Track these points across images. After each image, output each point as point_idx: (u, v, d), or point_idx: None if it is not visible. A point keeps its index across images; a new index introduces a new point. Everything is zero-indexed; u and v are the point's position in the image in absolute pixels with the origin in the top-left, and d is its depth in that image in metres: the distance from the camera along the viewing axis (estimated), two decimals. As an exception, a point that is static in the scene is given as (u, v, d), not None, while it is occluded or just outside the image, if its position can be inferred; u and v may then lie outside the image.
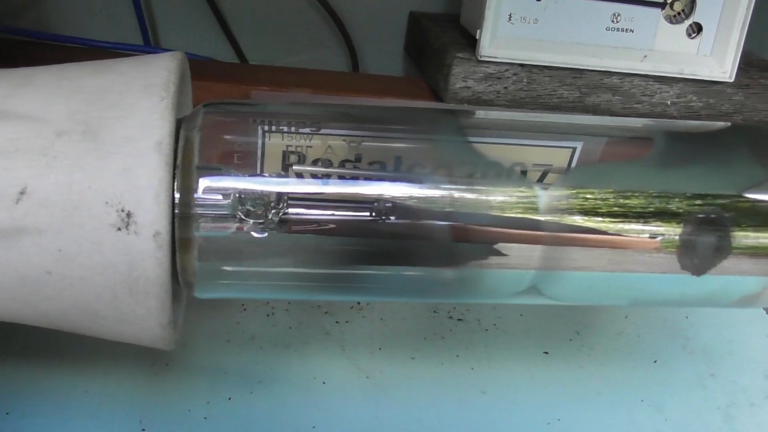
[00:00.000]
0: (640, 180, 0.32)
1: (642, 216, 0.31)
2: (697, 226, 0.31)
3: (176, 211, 0.29)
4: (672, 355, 0.46)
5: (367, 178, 0.31)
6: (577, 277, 0.32)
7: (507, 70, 0.46)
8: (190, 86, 0.34)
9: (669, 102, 0.47)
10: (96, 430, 0.38)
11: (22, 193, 0.27)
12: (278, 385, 0.42)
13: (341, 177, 0.31)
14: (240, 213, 0.30)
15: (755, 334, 0.49)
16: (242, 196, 0.30)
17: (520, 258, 0.31)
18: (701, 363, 0.46)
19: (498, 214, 0.30)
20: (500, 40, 0.45)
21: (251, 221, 0.30)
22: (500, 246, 0.31)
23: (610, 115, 0.47)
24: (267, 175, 0.30)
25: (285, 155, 0.30)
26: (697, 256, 0.31)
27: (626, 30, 0.46)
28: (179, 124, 0.31)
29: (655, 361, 0.46)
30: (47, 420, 0.39)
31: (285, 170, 0.30)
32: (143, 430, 0.38)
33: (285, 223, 0.30)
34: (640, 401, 0.43)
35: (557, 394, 0.43)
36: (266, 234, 0.30)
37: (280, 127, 0.30)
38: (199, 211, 0.29)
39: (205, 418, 0.39)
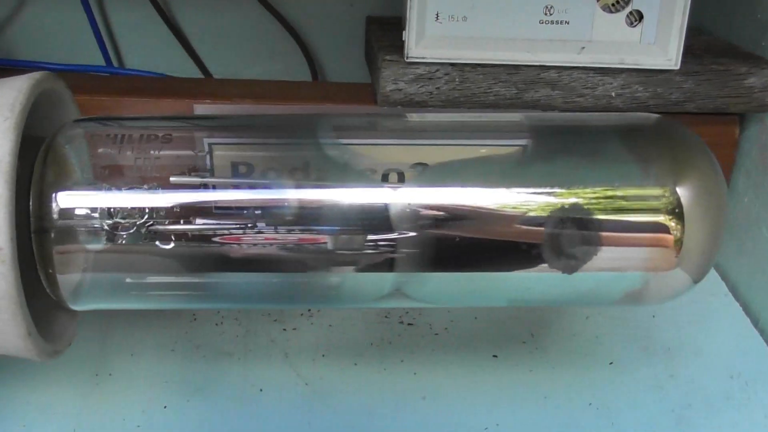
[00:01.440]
0: (500, 176, 0.31)
1: (498, 214, 0.30)
2: (560, 223, 0.30)
3: (33, 226, 0.30)
4: (630, 357, 0.45)
5: (237, 187, 0.31)
6: (440, 278, 0.31)
7: (438, 71, 0.45)
8: (70, 103, 0.34)
9: (613, 94, 0.45)
10: (29, 440, 0.40)
11: None
12: (215, 393, 0.42)
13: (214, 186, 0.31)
14: (106, 225, 0.30)
15: (725, 332, 0.47)
16: (110, 209, 0.30)
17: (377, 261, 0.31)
18: (661, 364, 0.44)
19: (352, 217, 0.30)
20: (428, 40, 0.44)
21: (121, 233, 0.30)
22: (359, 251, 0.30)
23: (552, 110, 0.46)
24: (135, 187, 0.31)
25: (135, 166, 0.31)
26: (564, 254, 0.30)
27: (561, 22, 0.45)
28: (40, 142, 0.31)
29: (611, 363, 0.44)
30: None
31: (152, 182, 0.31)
32: (75, 439, 0.39)
33: (154, 234, 0.30)
34: (588, 405, 0.41)
35: (500, 399, 0.42)
36: (171, 246, 0.31)
37: (132, 141, 0.31)
38: (59, 225, 0.30)
39: (138, 426, 0.40)
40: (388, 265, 0.30)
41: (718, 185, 0.31)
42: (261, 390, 0.42)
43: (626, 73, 0.45)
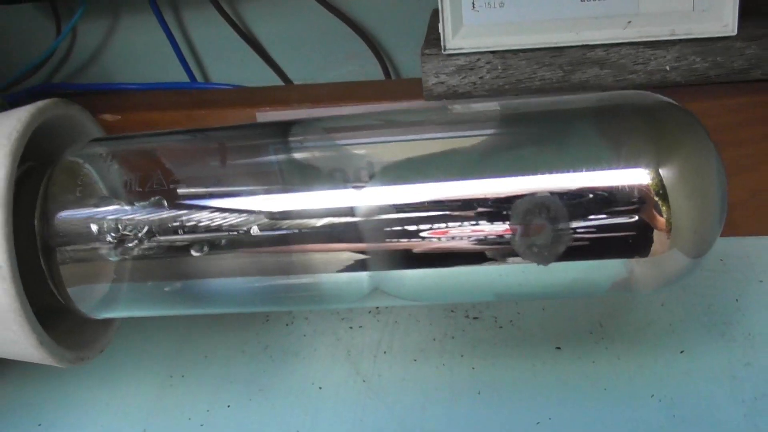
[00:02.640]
0: (463, 168, 0.29)
1: (466, 207, 0.29)
2: (527, 213, 0.28)
3: (39, 245, 0.32)
4: (705, 344, 0.42)
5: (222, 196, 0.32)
6: (418, 274, 0.30)
7: (479, 60, 0.44)
8: (90, 125, 0.36)
9: (668, 68, 0.42)
10: (104, 438, 0.43)
11: None
12: (276, 392, 0.43)
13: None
14: (111, 238, 0.32)
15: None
16: (115, 224, 0.32)
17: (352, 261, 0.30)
18: (738, 351, 0.41)
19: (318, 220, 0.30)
20: (466, 30, 0.43)
21: (123, 246, 0.32)
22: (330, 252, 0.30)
23: (603, 90, 0.44)
24: (135, 202, 0.32)
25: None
26: (535, 245, 0.29)
27: (604, -3, 0.42)
28: (47, 164, 0.34)
29: (682, 352, 0.41)
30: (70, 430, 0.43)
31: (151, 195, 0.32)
32: (145, 437, 0.42)
33: (156, 247, 0.32)
34: (650, 396, 0.39)
35: (556, 392, 0.41)
36: (201, 252, 0.32)
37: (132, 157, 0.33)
38: (61, 242, 0.32)
39: (202, 425, 0.42)
40: (363, 264, 0.30)
41: (706, 160, 0.29)
42: (320, 388, 0.43)
43: (680, 44, 0.42)
